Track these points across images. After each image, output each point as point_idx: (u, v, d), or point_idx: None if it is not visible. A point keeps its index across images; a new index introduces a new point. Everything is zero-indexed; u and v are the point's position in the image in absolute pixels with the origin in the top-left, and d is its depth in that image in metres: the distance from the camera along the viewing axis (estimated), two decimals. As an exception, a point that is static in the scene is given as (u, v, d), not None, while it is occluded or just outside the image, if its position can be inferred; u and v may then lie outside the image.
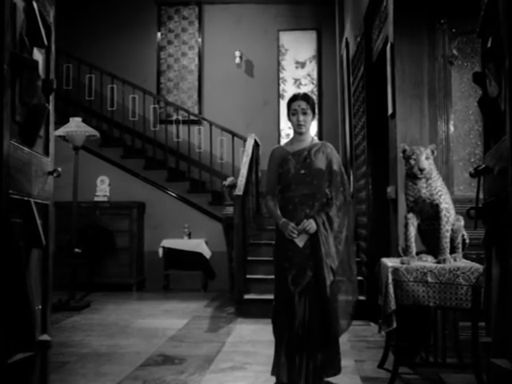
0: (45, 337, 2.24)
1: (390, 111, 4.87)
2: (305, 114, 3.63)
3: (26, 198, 2.20)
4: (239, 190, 6.60)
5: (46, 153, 2.61)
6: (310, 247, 3.53)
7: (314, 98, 9.85)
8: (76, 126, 7.13)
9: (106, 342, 5.00)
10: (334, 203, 3.59)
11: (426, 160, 3.77)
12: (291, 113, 3.66)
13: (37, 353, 2.13)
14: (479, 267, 3.56)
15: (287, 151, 3.70)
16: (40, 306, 2.27)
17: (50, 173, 2.62)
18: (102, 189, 8.70)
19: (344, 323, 3.59)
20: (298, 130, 3.67)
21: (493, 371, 1.94)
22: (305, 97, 3.69)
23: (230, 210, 7.32)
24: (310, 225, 3.51)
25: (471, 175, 2.46)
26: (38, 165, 2.41)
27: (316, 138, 3.84)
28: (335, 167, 3.65)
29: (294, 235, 3.52)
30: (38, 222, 2.22)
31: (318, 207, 3.59)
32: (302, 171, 3.59)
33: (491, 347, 1.98)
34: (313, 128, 9.28)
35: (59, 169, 2.66)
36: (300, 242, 3.53)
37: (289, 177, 3.61)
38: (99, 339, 5.10)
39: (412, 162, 3.78)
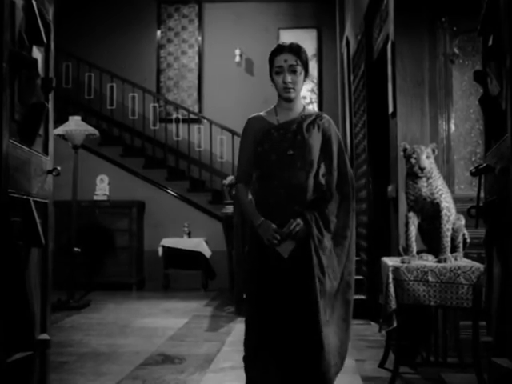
0: (44, 336, 2.23)
1: (390, 110, 4.86)
2: (294, 72, 2.68)
3: (25, 197, 2.19)
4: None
5: (46, 151, 2.60)
6: (298, 258, 2.62)
7: (314, 89, 9.84)
8: (75, 125, 7.11)
9: (105, 341, 4.99)
10: (332, 197, 2.69)
11: (426, 159, 3.76)
12: (275, 71, 2.72)
13: (36, 352, 2.12)
14: (480, 266, 3.55)
15: (269, 122, 2.74)
16: (39, 306, 2.26)
17: (50, 171, 2.61)
18: (102, 188, 8.69)
19: (334, 369, 2.65)
20: (285, 95, 2.72)
21: (493, 370, 1.94)
22: (293, 48, 2.71)
23: (230, 209, 7.31)
24: (299, 226, 2.59)
25: (472, 174, 2.45)
26: (37, 163, 2.40)
27: (310, 108, 2.92)
28: (335, 147, 2.74)
29: (276, 241, 2.59)
30: (38, 220, 2.21)
31: (311, 202, 2.67)
32: (290, 151, 2.66)
33: (492, 346, 1.98)
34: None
35: (58, 167, 2.65)
36: (284, 251, 2.59)
37: (271, 159, 2.66)
38: (99, 338, 5.09)
39: (413, 160, 3.77)
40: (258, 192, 2.73)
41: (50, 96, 2.58)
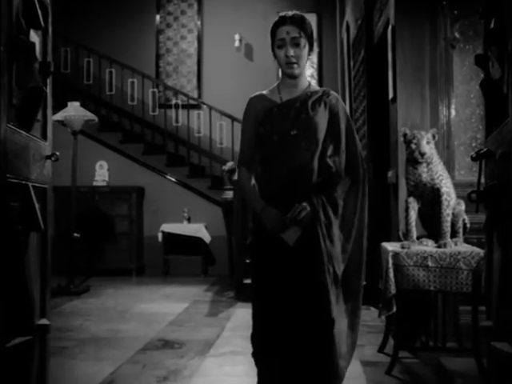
0: (44, 321, 2.23)
1: (390, 95, 4.84)
2: (297, 45, 2.45)
3: (23, 182, 2.18)
4: (239, 175, 6.57)
5: (44, 137, 2.58)
6: (305, 246, 2.42)
7: (314, 75, 9.81)
8: (74, 111, 7.09)
9: (105, 326, 5.01)
10: (340, 180, 2.48)
11: (426, 144, 3.75)
12: (276, 44, 2.49)
13: (35, 337, 2.12)
14: (480, 251, 3.56)
15: (271, 101, 2.55)
16: (39, 290, 2.26)
17: (48, 157, 2.59)
18: (101, 174, 8.69)
19: (343, 365, 2.48)
20: (288, 71, 2.50)
21: (493, 354, 1.94)
22: (296, 19, 2.48)
23: (229, 195, 7.30)
24: (305, 211, 2.38)
25: (473, 159, 2.44)
26: (35, 149, 2.39)
27: (315, 84, 2.69)
28: (343, 125, 2.52)
29: (280, 228, 2.42)
30: (36, 205, 2.21)
31: (317, 186, 2.46)
32: (294, 131, 2.46)
33: (492, 331, 1.98)
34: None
35: (57, 153, 2.63)
36: (290, 238, 2.41)
37: (273, 140, 2.47)
38: (98, 324, 5.10)
39: (413, 146, 3.76)
40: (261, 177, 2.52)
41: (49, 80, 2.56)
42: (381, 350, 4.07)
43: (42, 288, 2.30)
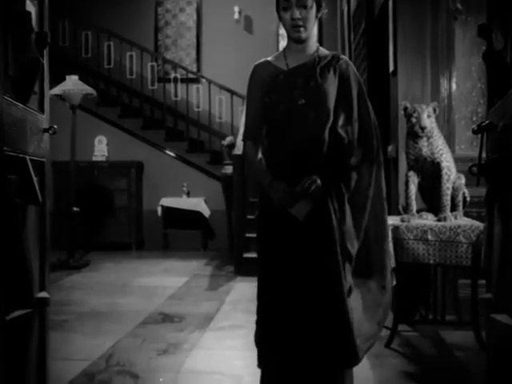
0: (43, 294, 2.23)
1: (391, 68, 4.80)
2: (303, 6, 2.25)
3: (21, 155, 2.16)
4: (238, 150, 6.55)
5: (41, 109, 2.56)
6: (315, 221, 2.25)
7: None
8: (73, 85, 7.04)
9: (105, 300, 5.02)
10: (353, 151, 2.31)
11: (427, 118, 3.73)
12: (282, 6, 2.28)
13: (35, 310, 2.12)
14: (480, 225, 3.55)
15: (277, 68, 2.36)
16: (38, 264, 2.25)
17: (46, 130, 2.57)
18: (100, 149, 8.67)
19: (361, 344, 2.25)
20: (294, 35, 2.30)
21: (493, 326, 1.95)
22: None
23: (229, 170, 7.29)
24: (315, 184, 2.21)
25: (474, 132, 2.42)
26: (33, 122, 2.36)
27: (324, 49, 2.43)
28: (354, 92, 2.33)
29: (289, 202, 2.24)
30: (34, 178, 2.19)
31: (328, 159, 2.28)
32: (302, 101, 2.27)
33: (491, 303, 1.99)
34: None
35: (55, 126, 2.61)
36: (299, 212, 2.24)
37: (280, 111, 2.29)
38: (98, 298, 5.12)
39: (413, 120, 3.74)
40: (268, 150, 2.34)
41: (45, 52, 2.52)
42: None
43: (41, 261, 2.30)
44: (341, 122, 2.29)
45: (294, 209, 2.23)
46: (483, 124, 2.28)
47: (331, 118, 2.27)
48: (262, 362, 2.33)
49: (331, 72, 2.30)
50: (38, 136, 2.46)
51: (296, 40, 2.32)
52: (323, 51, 2.39)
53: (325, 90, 2.26)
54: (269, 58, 2.44)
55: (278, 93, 2.29)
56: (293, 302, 2.26)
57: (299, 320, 2.24)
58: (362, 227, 2.30)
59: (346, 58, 2.39)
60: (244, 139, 2.41)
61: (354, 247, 2.27)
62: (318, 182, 2.21)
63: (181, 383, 3.14)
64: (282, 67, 2.35)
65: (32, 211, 2.29)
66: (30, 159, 2.23)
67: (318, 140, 2.26)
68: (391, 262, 2.35)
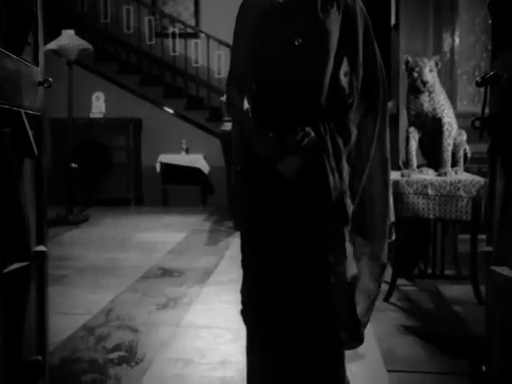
0: (41, 247, 2.22)
1: (392, 22, 4.71)
2: None
3: (15, 109, 2.12)
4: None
5: (36, 62, 2.50)
6: (307, 180, 1.93)
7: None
8: (69, 39, 6.93)
9: (104, 255, 5.04)
10: (354, 102, 1.96)
11: (429, 72, 3.68)
12: None
13: (33, 263, 2.11)
14: (480, 180, 3.55)
15: (270, 1, 1.97)
16: (35, 217, 2.24)
17: (41, 83, 2.52)
18: (98, 105, 8.59)
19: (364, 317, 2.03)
20: None
21: (493, 279, 1.95)
22: None
23: (228, 126, 7.22)
24: (308, 137, 1.89)
25: (478, 84, 2.38)
26: (27, 74, 2.31)
27: None
28: (360, 31, 1.97)
29: (277, 157, 1.92)
30: (30, 132, 2.15)
31: (326, 109, 1.94)
32: (299, 40, 1.91)
33: (492, 256, 1.99)
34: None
35: (50, 79, 2.56)
36: (287, 168, 1.92)
37: (273, 52, 1.93)
38: (98, 252, 5.13)
39: (415, 74, 3.69)
40: (255, 98, 2.00)
41: (39, 1, 2.46)
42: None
43: (39, 215, 2.28)
44: (343, 67, 1.94)
45: (282, 164, 1.92)
46: (487, 76, 2.24)
47: (332, 62, 1.92)
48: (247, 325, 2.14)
49: (334, 7, 1.91)
50: (33, 89, 2.41)
51: None
52: None
53: (326, 28, 1.89)
54: None
55: (271, 30, 1.93)
56: (279, 269, 1.99)
57: (286, 291, 1.98)
58: (359, 192, 2.00)
59: None
60: (228, 84, 2.08)
61: (350, 209, 1.97)
62: (312, 135, 1.90)
63: (180, 337, 3.17)
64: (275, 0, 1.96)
65: (28, 165, 2.26)
66: (25, 113, 2.19)
67: (315, 87, 1.91)
68: (391, 233, 2.14)
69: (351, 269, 1.98)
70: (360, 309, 2.00)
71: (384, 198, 2.08)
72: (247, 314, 2.13)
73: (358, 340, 2.03)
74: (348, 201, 1.95)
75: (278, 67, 1.93)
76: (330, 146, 1.92)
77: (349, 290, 1.96)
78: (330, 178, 1.90)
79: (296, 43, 1.90)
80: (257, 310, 2.07)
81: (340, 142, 1.94)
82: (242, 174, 2.06)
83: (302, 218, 1.94)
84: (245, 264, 2.16)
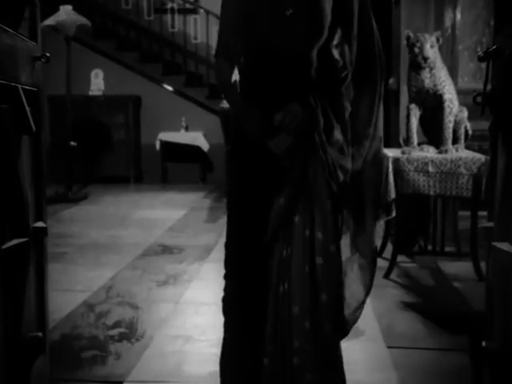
0: (40, 224, 2.21)
1: (394, -3, 4.67)
2: None
3: (12, 84, 2.10)
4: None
5: (33, 37, 2.47)
6: (298, 159, 1.81)
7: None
8: (66, 15, 6.87)
9: (104, 232, 5.04)
10: (348, 76, 1.85)
11: (430, 48, 3.66)
12: None
13: (32, 239, 2.11)
14: (481, 157, 3.54)
15: None
16: (33, 194, 2.23)
17: (38, 58, 2.49)
18: (97, 83, 8.53)
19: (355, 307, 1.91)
20: None
21: (493, 254, 1.95)
22: None
23: (227, 104, 7.19)
24: (299, 114, 1.78)
25: (480, 59, 2.35)
26: (24, 49, 2.29)
27: None
28: (356, 4, 1.86)
29: (265, 134, 1.81)
30: (27, 108, 2.13)
31: (318, 83, 1.85)
32: (290, 11, 1.80)
33: (493, 232, 1.98)
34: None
35: (47, 54, 2.53)
36: (277, 146, 1.82)
37: (262, 23, 1.83)
38: (98, 230, 5.13)
39: (416, 50, 3.66)
40: (245, 70, 1.90)
41: (35, -26, 2.42)
42: (379, 254, 4.11)
43: (37, 191, 2.27)
44: (336, 39, 1.85)
45: (272, 142, 1.82)
46: (490, 50, 2.22)
47: (325, 34, 1.82)
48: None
49: None
50: (30, 64, 2.39)
51: None
52: None
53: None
54: None
55: (261, 0, 1.82)
56: (262, 249, 1.85)
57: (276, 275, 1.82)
58: (352, 169, 1.87)
59: None
60: (216, 55, 1.94)
61: (346, 173, 1.85)
62: (300, 116, 1.78)
63: (180, 313, 3.18)
64: None
65: (26, 142, 2.25)
66: (22, 88, 2.17)
67: (307, 60, 1.83)
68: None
69: (345, 251, 1.88)
70: (348, 306, 1.88)
71: (377, 178, 1.98)
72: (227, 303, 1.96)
73: (343, 333, 1.90)
74: (340, 175, 1.83)
75: (267, 38, 1.83)
76: (321, 120, 1.80)
77: (339, 276, 1.82)
78: (320, 151, 1.79)
79: (287, 13, 1.79)
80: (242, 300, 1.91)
81: (332, 116, 1.82)
82: (232, 153, 1.97)
83: (292, 194, 1.82)
84: (228, 242, 2.00)
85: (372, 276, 1.93)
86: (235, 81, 1.94)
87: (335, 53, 1.84)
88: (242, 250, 1.92)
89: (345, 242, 1.89)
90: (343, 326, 1.88)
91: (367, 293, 1.94)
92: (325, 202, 1.80)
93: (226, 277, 1.96)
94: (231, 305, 1.94)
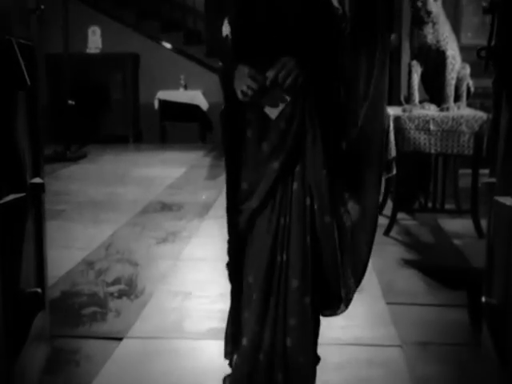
0: (37, 180, 2.19)
1: (397, -51, 4.54)
2: None
3: (6, 37, 2.05)
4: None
5: (27, -12, 2.41)
6: (294, 121, 1.66)
7: None
8: (62, -31, 6.72)
9: (103, 190, 5.02)
10: (346, 27, 1.65)
11: (433, 2, 3.58)
12: None
13: (29, 194, 2.09)
14: (483, 115, 3.51)
15: None
16: (30, 150, 2.20)
17: (32, 11, 2.43)
18: (94, 40, 8.39)
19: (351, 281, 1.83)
20: None
21: (496, 209, 1.96)
22: None
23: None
24: (295, 68, 1.59)
25: (484, 12, 2.31)
26: (17, 1, 2.23)
27: None
28: None
29: (254, 92, 1.63)
30: (21, 62, 2.09)
31: (312, 36, 1.64)
32: None
33: (495, 187, 1.98)
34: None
35: (42, 6, 2.47)
36: (272, 109, 1.66)
37: None
38: (96, 188, 5.11)
39: (419, 4, 3.59)
40: (235, 22, 1.73)
41: None
42: (379, 211, 4.10)
43: (34, 147, 2.24)
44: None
45: (268, 108, 1.66)
46: (495, 1, 2.17)
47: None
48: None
49: None
50: (24, 17, 2.33)
51: None
52: None
53: None
54: None
55: None
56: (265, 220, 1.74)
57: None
58: (353, 132, 1.71)
59: None
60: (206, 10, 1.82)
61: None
62: (295, 66, 1.60)
63: (179, 270, 3.18)
64: None
65: (22, 98, 2.21)
66: (16, 42, 2.12)
67: (301, 8, 1.64)
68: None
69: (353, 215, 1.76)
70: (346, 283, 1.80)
71: (379, 141, 1.81)
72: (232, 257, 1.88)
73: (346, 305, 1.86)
74: (350, 131, 1.69)
75: (262, 13, 1.65)
76: (316, 77, 1.65)
77: (334, 252, 1.71)
78: (307, 117, 1.66)
79: None
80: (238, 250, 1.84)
81: (328, 73, 1.67)
82: (224, 114, 1.84)
83: (286, 161, 1.69)
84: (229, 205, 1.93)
85: (373, 236, 1.80)
86: (227, 35, 1.78)
87: (335, 2, 1.66)
88: (235, 214, 1.86)
89: (351, 206, 1.77)
90: (347, 298, 1.83)
91: (369, 251, 1.82)
92: (320, 171, 1.67)
93: (228, 241, 1.89)
94: (231, 271, 1.86)
